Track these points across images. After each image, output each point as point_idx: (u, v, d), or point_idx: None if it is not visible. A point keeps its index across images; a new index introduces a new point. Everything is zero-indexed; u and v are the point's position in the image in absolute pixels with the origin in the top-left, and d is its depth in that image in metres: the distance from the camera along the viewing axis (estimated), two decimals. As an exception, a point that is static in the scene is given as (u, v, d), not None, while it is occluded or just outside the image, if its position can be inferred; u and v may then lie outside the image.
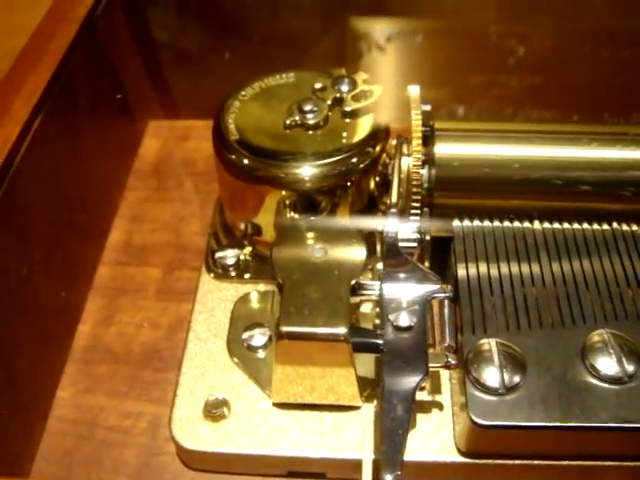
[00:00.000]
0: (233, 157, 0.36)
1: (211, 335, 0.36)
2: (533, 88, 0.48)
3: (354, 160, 0.35)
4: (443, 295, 0.32)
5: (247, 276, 0.39)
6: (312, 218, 0.35)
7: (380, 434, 0.29)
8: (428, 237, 0.34)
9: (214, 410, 0.33)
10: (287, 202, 0.36)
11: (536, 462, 0.32)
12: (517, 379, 0.30)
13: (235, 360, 0.35)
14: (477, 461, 0.32)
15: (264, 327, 0.36)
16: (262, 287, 0.38)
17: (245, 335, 0.36)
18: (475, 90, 0.48)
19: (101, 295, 0.41)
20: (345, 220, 0.37)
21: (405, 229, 0.33)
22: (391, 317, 0.31)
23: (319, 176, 0.35)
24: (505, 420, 0.30)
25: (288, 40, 0.47)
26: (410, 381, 0.30)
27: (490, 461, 0.32)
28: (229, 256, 0.39)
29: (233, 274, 0.39)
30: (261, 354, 0.35)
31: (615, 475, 0.32)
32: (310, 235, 0.33)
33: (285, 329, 0.30)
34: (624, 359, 0.31)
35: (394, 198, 0.34)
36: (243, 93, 0.38)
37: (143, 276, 0.42)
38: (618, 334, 0.32)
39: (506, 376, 0.30)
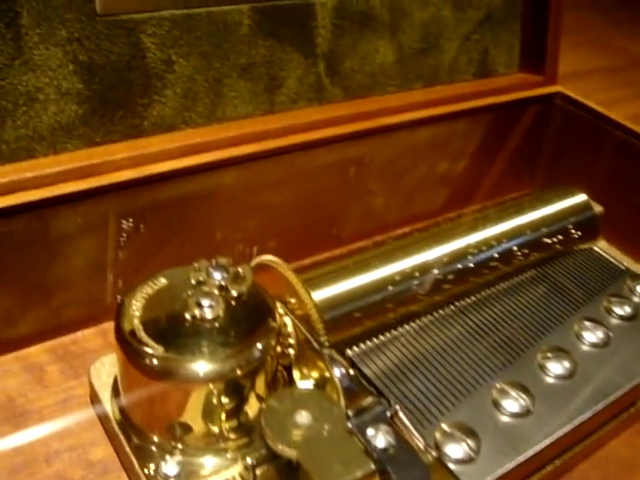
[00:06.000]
0: (154, 362, 0.37)
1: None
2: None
3: (267, 338, 0.39)
4: (396, 409, 0.39)
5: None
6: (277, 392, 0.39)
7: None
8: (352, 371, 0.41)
9: None
10: (216, 394, 0.38)
11: None
12: (477, 444, 0.39)
13: None
14: None
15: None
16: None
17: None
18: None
19: None
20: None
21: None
22: (375, 444, 0.37)
23: (248, 361, 0.38)
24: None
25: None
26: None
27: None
28: (170, 466, 0.39)
29: (180, 481, 0.39)
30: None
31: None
32: (288, 407, 0.37)
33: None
34: (522, 395, 0.41)
35: (324, 342, 0.40)
36: (133, 307, 0.39)
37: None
38: (508, 380, 0.42)
39: (471, 444, 0.38)
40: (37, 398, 0.45)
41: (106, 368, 0.44)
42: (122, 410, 0.42)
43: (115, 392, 0.43)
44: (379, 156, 0.58)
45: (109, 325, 0.49)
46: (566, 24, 0.66)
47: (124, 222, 0.48)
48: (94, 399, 0.44)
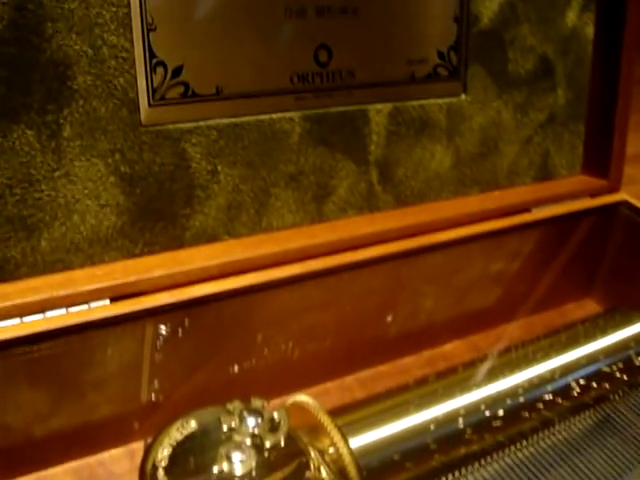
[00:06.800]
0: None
1: None
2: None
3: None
4: None
5: None
6: None
7: None
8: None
9: None
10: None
11: None
12: None
13: None
14: None
15: None
16: None
17: None
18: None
19: None
20: None
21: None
22: None
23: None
24: None
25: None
26: None
27: None
28: None
29: None
30: None
31: None
32: None
33: None
34: None
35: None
36: (159, 456, 0.37)
37: None
38: None
39: None
40: (56, 529, 0.43)
41: (130, 503, 0.42)
42: None
43: (137, 535, 0.41)
44: (429, 268, 0.55)
45: (138, 445, 0.47)
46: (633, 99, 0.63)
47: (158, 338, 0.46)
48: (115, 537, 0.42)
